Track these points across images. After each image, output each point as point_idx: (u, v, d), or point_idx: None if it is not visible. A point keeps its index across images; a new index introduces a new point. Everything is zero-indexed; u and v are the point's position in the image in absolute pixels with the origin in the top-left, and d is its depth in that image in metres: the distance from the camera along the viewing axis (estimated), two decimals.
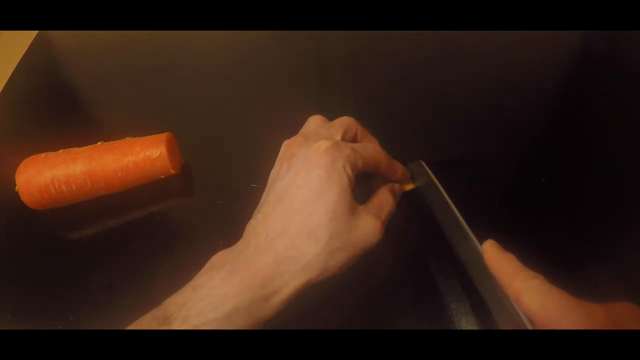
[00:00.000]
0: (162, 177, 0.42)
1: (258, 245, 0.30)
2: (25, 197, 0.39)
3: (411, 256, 0.38)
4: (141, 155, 0.40)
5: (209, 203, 0.42)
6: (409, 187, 0.40)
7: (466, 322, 0.34)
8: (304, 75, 0.53)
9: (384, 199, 0.34)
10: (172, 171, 0.42)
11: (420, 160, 0.38)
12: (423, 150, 0.44)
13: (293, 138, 0.34)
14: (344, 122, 0.35)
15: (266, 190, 0.34)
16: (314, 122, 0.36)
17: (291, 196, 0.31)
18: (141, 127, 0.43)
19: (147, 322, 0.28)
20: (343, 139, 0.34)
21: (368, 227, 0.31)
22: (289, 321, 0.30)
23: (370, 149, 0.34)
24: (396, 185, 0.37)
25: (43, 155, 0.40)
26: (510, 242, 0.37)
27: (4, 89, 0.54)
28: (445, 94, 0.49)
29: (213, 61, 0.56)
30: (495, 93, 0.49)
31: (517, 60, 0.52)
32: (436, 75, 0.51)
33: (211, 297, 0.28)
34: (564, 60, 0.52)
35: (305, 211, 0.30)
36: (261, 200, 0.33)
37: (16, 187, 0.39)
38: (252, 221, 0.32)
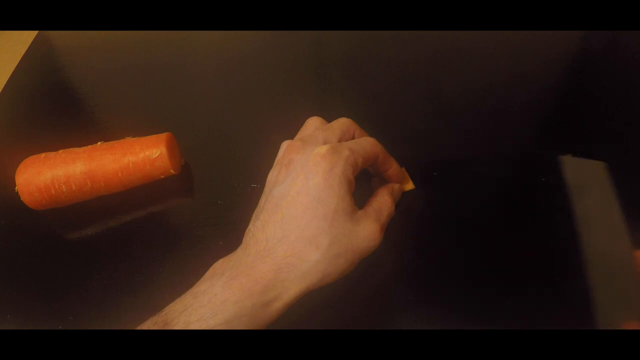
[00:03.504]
0: (162, 177, 0.42)
1: (258, 252, 0.30)
2: (25, 197, 0.39)
3: (411, 256, 0.38)
4: (141, 155, 0.40)
5: (209, 203, 0.42)
6: (409, 187, 0.40)
7: (466, 322, 0.34)
8: (304, 75, 0.53)
9: (383, 202, 0.34)
10: (172, 171, 0.42)
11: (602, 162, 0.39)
12: (423, 150, 0.44)
13: (291, 142, 0.34)
14: (342, 124, 0.35)
15: (264, 194, 0.34)
16: (313, 123, 0.36)
17: (289, 203, 0.30)
18: (141, 127, 0.43)
19: (146, 327, 0.28)
20: (340, 142, 0.34)
21: (367, 231, 0.31)
22: (289, 325, 0.30)
23: (366, 142, 0.34)
24: (395, 187, 0.37)
25: (43, 155, 0.40)
26: (510, 242, 0.37)
27: (4, 89, 0.54)
28: (445, 94, 0.49)
29: (213, 61, 0.56)
30: (495, 93, 0.49)
31: (517, 60, 0.52)
32: (436, 75, 0.51)
33: (211, 303, 0.28)
34: (564, 60, 0.52)
35: (305, 218, 0.30)
36: (259, 206, 0.33)
37: (16, 187, 0.39)
38: (251, 227, 0.32)
